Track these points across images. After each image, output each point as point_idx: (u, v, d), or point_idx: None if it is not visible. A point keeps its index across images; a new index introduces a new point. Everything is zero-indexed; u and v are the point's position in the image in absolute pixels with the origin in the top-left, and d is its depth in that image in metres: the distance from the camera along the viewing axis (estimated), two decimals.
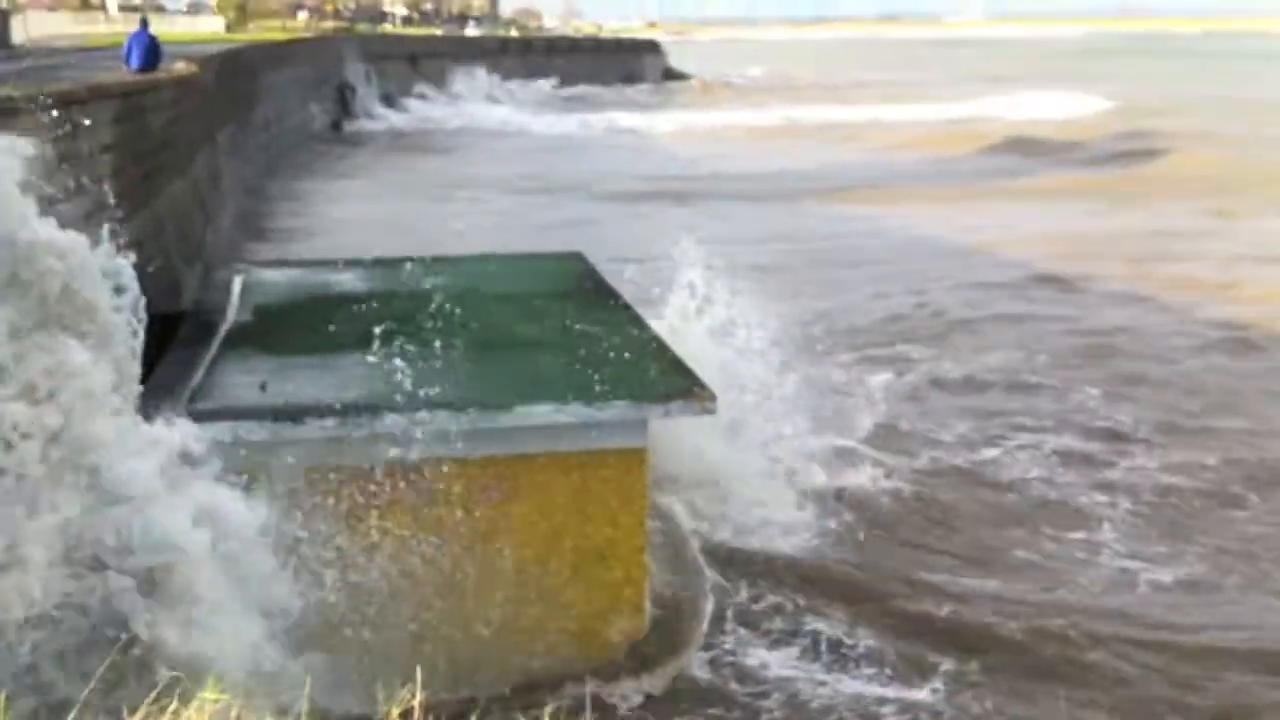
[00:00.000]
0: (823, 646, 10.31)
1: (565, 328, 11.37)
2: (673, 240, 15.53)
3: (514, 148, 54.54)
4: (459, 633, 8.64)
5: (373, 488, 8.50)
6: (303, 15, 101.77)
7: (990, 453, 15.10)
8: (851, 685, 9.75)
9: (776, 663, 10.03)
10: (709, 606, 10.59)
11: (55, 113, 8.81)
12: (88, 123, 9.73)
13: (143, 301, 8.15)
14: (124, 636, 6.95)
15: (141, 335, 8.16)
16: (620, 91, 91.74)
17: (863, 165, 46.77)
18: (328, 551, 8.09)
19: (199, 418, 8.27)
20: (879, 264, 27.08)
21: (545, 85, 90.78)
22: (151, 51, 16.18)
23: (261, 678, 7.10)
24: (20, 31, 40.41)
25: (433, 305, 11.92)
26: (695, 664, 9.75)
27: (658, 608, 10.08)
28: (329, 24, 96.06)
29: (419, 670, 5.26)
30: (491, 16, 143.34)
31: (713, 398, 9.43)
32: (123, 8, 64.36)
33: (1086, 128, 56.29)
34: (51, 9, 57.34)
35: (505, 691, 8.65)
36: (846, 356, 18.74)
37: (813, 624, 10.63)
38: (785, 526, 12.45)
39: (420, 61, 78.39)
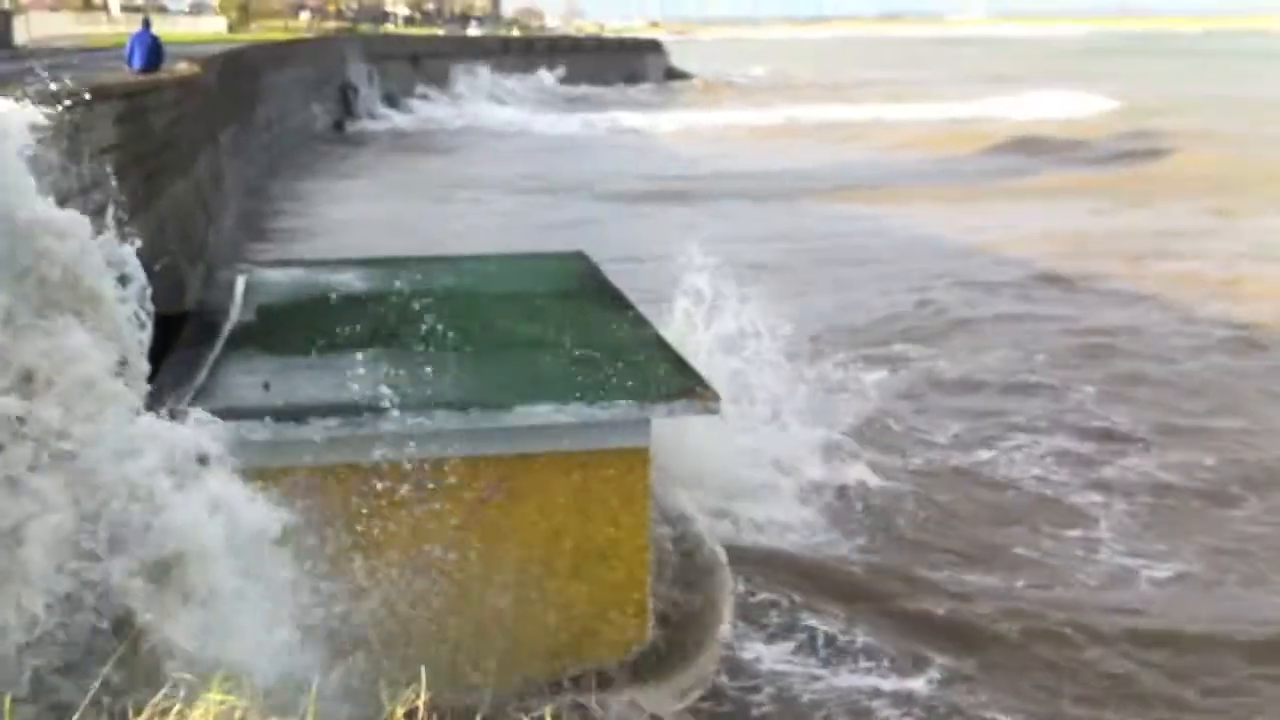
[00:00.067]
0: (819, 642, 10.36)
1: (567, 327, 11.36)
2: (675, 240, 15.56)
3: (516, 148, 54.61)
4: (461, 633, 8.64)
5: (375, 487, 8.51)
6: (305, 15, 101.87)
7: (988, 452, 15.13)
8: (846, 679, 9.80)
9: (771, 657, 10.08)
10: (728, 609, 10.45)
11: (58, 113, 8.81)
12: (90, 123, 9.76)
13: (149, 292, 8.13)
14: (134, 632, 6.91)
15: (150, 328, 8.13)
16: (622, 91, 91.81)
17: (865, 165, 46.79)
18: (329, 551, 8.08)
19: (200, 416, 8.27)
20: (881, 263, 27.11)
21: (546, 78, 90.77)
22: (154, 52, 16.20)
23: (286, 682, 7.04)
24: (22, 32, 40.47)
25: (435, 305, 11.94)
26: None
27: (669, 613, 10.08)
28: (331, 24, 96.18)
29: (423, 670, 5.26)
30: (494, 16, 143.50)
31: (716, 397, 9.42)
32: (125, 8, 64.42)
33: (1090, 127, 56.29)
34: (53, 9, 57.41)
35: (508, 692, 8.66)
36: (847, 355, 18.71)
37: (809, 620, 10.68)
38: (783, 523, 12.50)
39: (422, 61, 78.44)
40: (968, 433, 15.73)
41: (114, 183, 9.19)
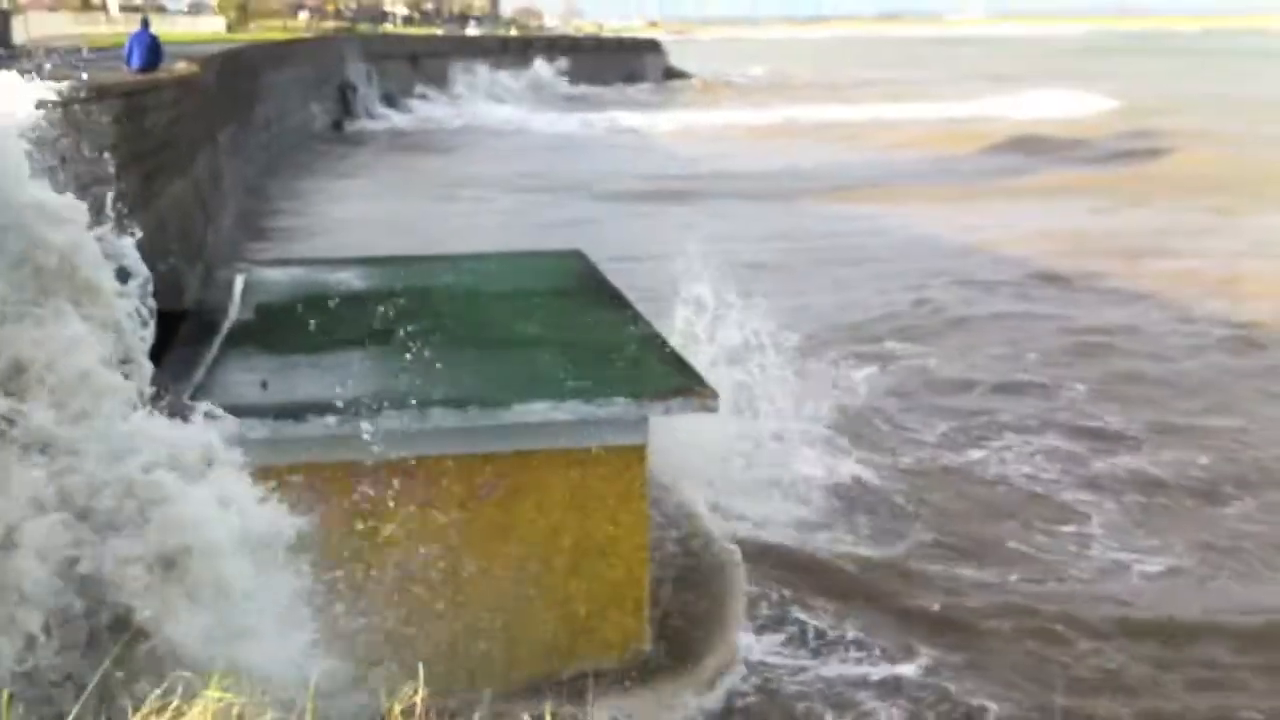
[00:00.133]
0: (809, 634, 10.46)
1: (565, 325, 11.39)
2: (674, 240, 15.62)
3: (515, 147, 54.61)
4: (460, 630, 8.66)
5: (372, 484, 8.51)
6: (304, 15, 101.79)
7: (983, 449, 15.20)
8: (834, 670, 9.90)
9: (760, 649, 10.14)
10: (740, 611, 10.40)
11: (57, 113, 8.81)
12: (90, 122, 9.75)
13: (151, 286, 8.11)
14: (132, 629, 6.85)
15: (152, 325, 8.08)
16: (621, 91, 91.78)
17: (863, 164, 46.79)
18: (327, 548, 8.08)
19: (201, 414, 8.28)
20: (879, 262, 27.14)
21: (544, 70, 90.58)
22: (152, 51, 16.16)
23: (289, 680, 6.93)
24: (21, 32, 40.44)
25: (433, 303, 11.98)
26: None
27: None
28: (330, 24, 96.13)
29: (421, 667, 5.27)
30: (492, 16, 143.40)
31: (714, 395, 9.45)
32: (124, 8, 64.34)
33: (1089, 127, 56.35)
34: (52, 9, 57.35)
35: (507, 688, 8.67)
36: (842, 352, 18.80)
37: (799, 613, 10.78)
38: (776, 519, 12.54)
39: (421, 61, 78.42)
40: (962, 430, 15.79)
41: (112, 195, 9.16)
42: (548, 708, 5.38)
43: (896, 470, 14.28)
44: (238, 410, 8.47)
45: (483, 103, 74.28)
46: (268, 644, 7.31)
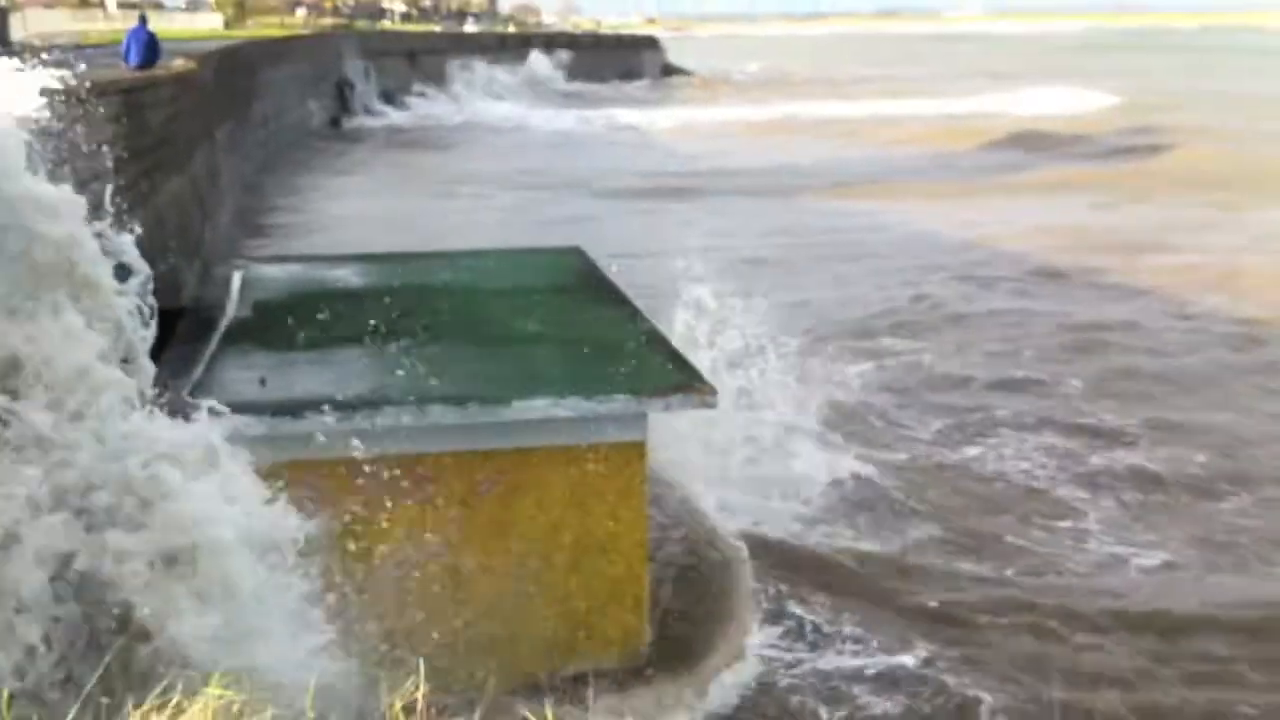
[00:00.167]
0: (806, 627, 10.49)
1: (564, 322, 11.38)
2: (673, 236, 15.64)
3: (513, 144, 54.58)
4: (460, 627, 8.64)
5: (372, 482, 8.49)
6: (301, 12, 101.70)
7: (981, 445, 15.23)
8: (831, 663, 9.92)
9: (757, 642, 10.16)
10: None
11: (55, 108, 8.77)
12: (87, 119, 9.73)
13: (151, 284, 8.06)
14: (132, 628, 6.74)
15: (154, 325, 8.00)
16: (619, 88, 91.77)
17: (863, 161, 46.78)
18: (327, 546, 8.05)
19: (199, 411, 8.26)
20: (878, 258, 27.14)
21: (541, 65, 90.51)
22: (150, 48, 16.16)
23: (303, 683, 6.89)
24: (19, 29, 40.41)
25: (432, 300, 11.95)
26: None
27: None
28: (327, 21, 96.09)
29: (421, 664, 5.26)
30: (490, 13, 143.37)
31: (713, 392, 9.44)
32: (121, 4, 64.24)
33: (1090, 123, 56.37)
34: (49, 6, 57.23)
35: (507, 685, 8.66)
36: (841, 348, 18.84)
37: (795, 607, 10.80)
38: (773, 514, 12.55)
39: (419, 58, 78.38)
40: (960, 426, 15.81)
41: (109, 192, 9.11)
42: (549, 706, 5.35)
43: (894, 466, 14.31)
44: (236, 407, 8.45)
45: (481, 100, 74.24)
46: (274, 644, 7.23)
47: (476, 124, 62.97)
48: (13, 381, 6.87)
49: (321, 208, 34.74)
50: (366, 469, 8.50)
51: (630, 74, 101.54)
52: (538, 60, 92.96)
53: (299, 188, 38.61)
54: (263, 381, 9.22)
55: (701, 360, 12.91)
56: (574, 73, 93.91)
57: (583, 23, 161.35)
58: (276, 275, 13.58)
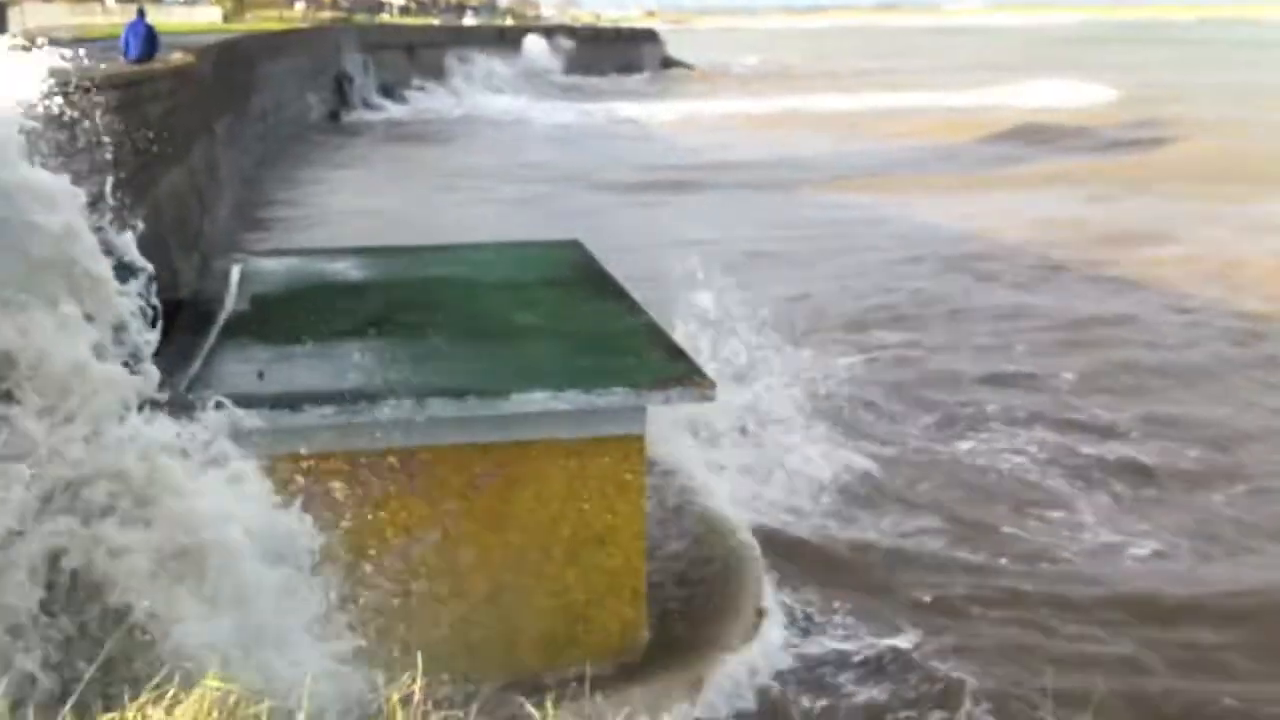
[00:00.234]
0: (797, 614, 10.53)
1: (563, 315, 11.38)
2: (676, 231, 15.67)
3: (514, 137, 54.50)
4: (459, 619, 8.65)
5: (370, 475, 8.49)
6: (300, 5, 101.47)
7: (977, 437, 15.27)
8: (819, 649, 9.97)
9: (754, 634, 10.10)
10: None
11: (54, 104, 8.74)
12: (86, 113, 9.72)
13: (154, 285, 8.01)
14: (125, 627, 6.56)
15: (158, 328, 7.86)
16: (618, 81, 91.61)
17: (864, 154, 46.71)
18: (325, 538, 8.04)
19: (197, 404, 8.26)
20: (878, 251, 27.13)
21: (535, 49, 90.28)
22: (149, 42, 16.15)
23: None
24: (18, 22, 40.34)
25: (430, 293, 11.95)
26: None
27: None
28: (326, 14, 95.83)
29: (419, 656, 5.26)
30: (489, 6, 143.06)
31: (712, 385, 9.45)
32: None
33: (1091, 115, 56.33)
34: (48, 0, 57.14)
35: (505, 677, 8.66)
36: (840, 342, 18.88)
37: (785, 596, 10.82)
38: (765, 503, 12.59)
39: (418, 51, 78.26)
40: (955, 419, 15.84)
41: (109, 185, 9.04)
42: (550, 701, 5.34)
43: (889, 458, 14.36)
44: (234, 401, 8.45)
45: (480, 93, 74.13)
46: (291, 651, 7.11)
47: (476, 117, 62.91)
48: (7, 377, 6.75)
49: (321, 201, 34.72)
50: (365, 462, 8.51)
51: (629, 67, 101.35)
52: (534, 46, 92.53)
53: (298, 181, 38.58)
54: (261, 375, 9.22)
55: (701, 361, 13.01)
56: (573, 66, 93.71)
57: (581, 15, 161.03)
58: (275, 269, 13.58)
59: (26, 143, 7.23)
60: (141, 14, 16.90)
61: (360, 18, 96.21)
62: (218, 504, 7.24)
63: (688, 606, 10.21)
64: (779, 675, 9.63)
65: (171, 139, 15.45)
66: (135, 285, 7.69)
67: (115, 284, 7.55)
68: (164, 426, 7.47)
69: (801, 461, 13.69)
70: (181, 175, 16.01)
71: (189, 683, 5.09)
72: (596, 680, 7.95)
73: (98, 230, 7.62)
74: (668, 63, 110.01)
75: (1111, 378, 17.49)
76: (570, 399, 8.90)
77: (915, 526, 12.63)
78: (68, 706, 5.12)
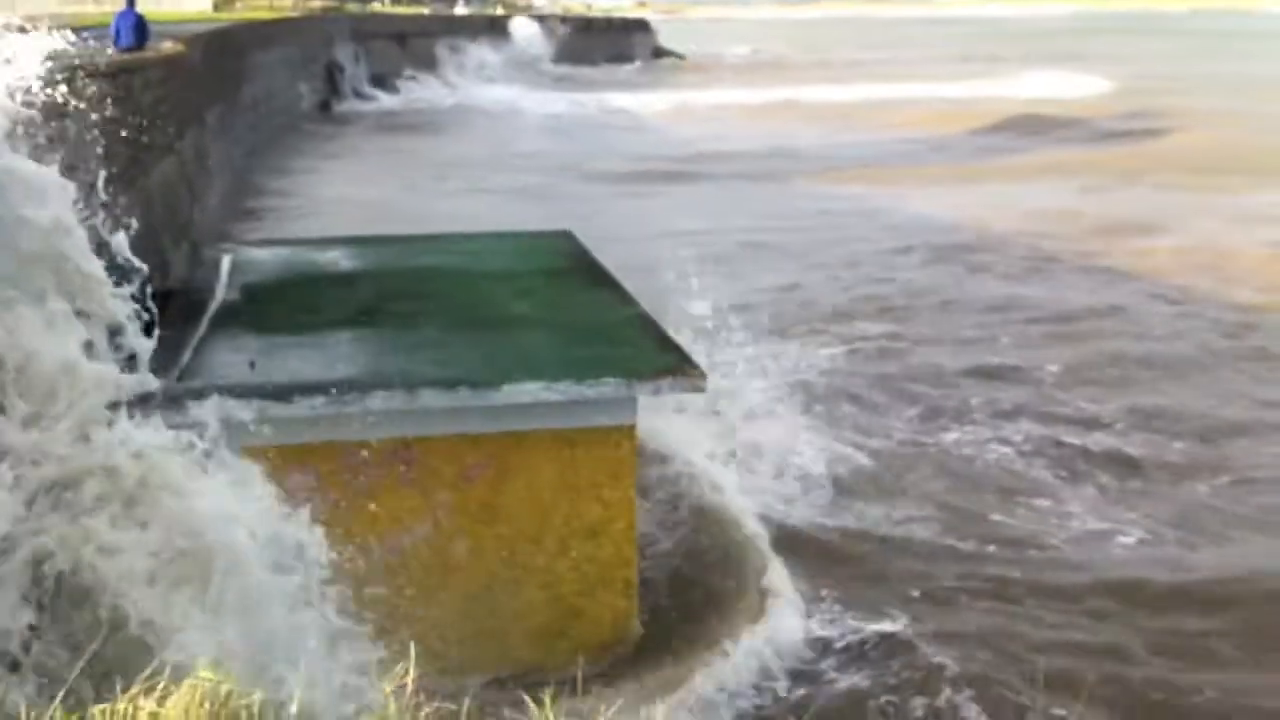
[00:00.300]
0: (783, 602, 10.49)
1: (554, 305, 11.38)
2: (668, 223, 15.68)
3: (506, 127, 54.33)
4: (450, 610, 8.64)
5: (362, 466, 8.49)
6: None
7: (966, 428, 15.30)
8: (803, 635, 9.99)
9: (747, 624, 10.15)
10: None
11: (47, 92, 8.69)
12: (76, 103, 9.68)
13: (150, 290, 7.90)
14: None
15: (155, 334, 7.78)
16: (610, 71, 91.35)
17: (857, 145, 46.61)
18: (316, 529, 8.01)
19: (187, 396, 8.25)
20: (869, 242, 27.11)
21: (524, 33, 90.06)
22: (139, 31, 16.08)
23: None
24: (9, 10, 40.17)
25: (422, 283, 11.94)
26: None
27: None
28: (317, 3, 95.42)
29: (412, 648, 5.25)
30: None
31: (703, 375, 9.46)
32: None
33: (1086, 106, 56.24)
34: None
35: (497, 669, 8.67)
36: (830, 333, 18.90)
37: (772, 582, 10.76)
38: (753, 492, 12.61)
39: (409, 40, 78.01)
40: (944, 410, 15.88)
41: (100, 175, 8.96)
42: (549, 695, 5.33)
43: (877, 448, 14.43)
44: (225, 391, 8.44)
45: (473, 84, 73.92)
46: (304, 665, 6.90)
47: (469, 107, 62.71)
48: None
49: (312, 191, 34.61)
50: (356, 453, 8.50)
51: (621, 57, 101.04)
52: (523, 29, 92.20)
53: (289, 171, 38.47)
54: (252, 365, 9.22)
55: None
56: (564, 55, 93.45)
57: (573, 6, 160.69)
58: (265, 258, 13.56)
59: (23, 132, 7.15)
60: (131, 2, 16.81)
61: (352, 7, 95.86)
62: (220, 505, 7.05)
63: (692, 596, 10.26)
64: (766, 667, 9.65)
65: (162, 128, 15.39)
66: (129, 287, 7.60)
67: (109, 285, 7.44)
68: (159, 425, 7.35)
69: (789, 452, 13.73)
70: (172, 165, 15.95)
71: (180, 675, 5.09)
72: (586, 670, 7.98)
73: (90, 228, 7.51)
74: (659, 52, 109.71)
75: (1100, 369, 17.53)
76: (562, 389, 8.90)
77: (902, 514, 12.69)
78: (59, 699, 5.11)
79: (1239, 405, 16.15)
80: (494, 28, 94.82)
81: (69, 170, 8.15)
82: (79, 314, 7.13)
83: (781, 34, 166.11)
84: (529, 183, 36.63)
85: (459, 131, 52.76)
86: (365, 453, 8.58)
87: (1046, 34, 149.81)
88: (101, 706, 4.89)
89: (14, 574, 6.28)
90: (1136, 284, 22.73)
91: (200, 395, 8.13)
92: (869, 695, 9.33)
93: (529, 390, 8.85)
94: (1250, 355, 18.37)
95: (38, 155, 7.43)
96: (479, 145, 47.45)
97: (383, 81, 68.20)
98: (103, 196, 7.97)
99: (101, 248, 7.56)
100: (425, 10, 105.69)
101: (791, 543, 11.69)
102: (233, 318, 10.83)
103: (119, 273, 7.62)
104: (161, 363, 8.96)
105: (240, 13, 67.62)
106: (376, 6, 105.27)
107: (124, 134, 11.90)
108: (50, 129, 8.11)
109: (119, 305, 7.46)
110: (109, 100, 11.36)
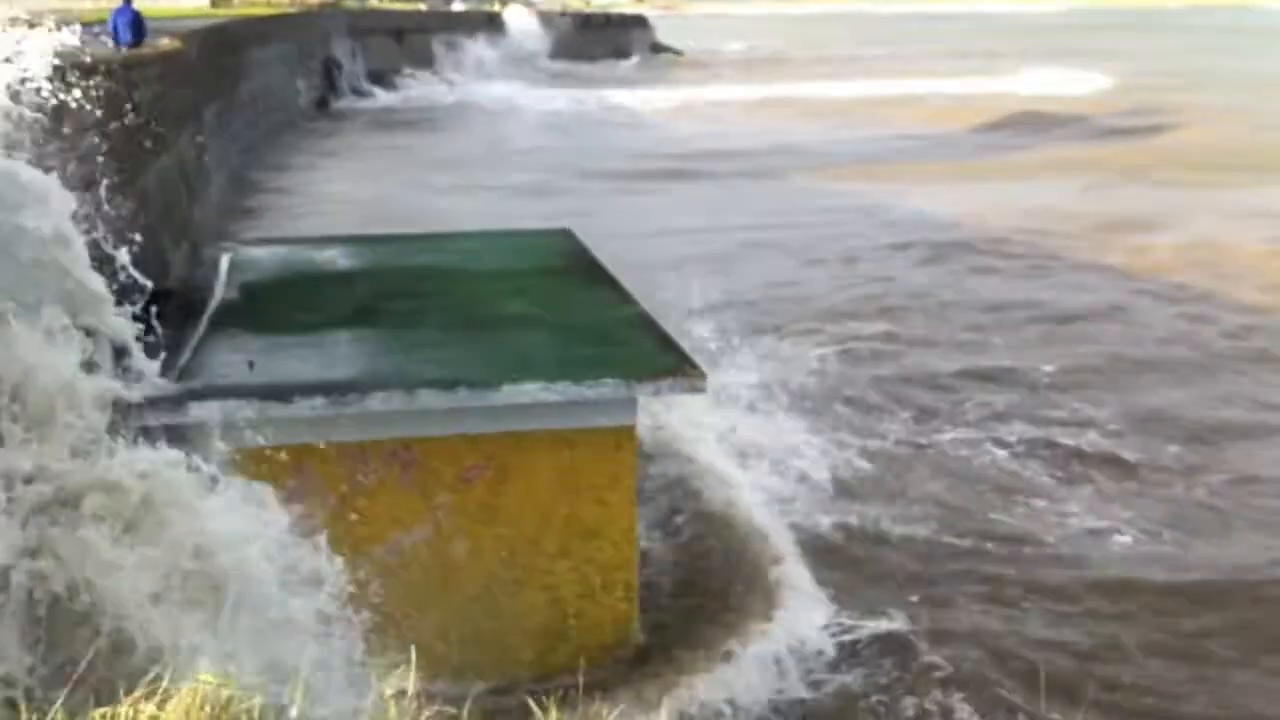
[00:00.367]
0: (779, 600, 10.49)
1: (554, 305, 11.34)
2: (669, 221, 15.68)
3: (505, 125, 54.22)
4: (450, 612, 8.62)
5: (361, 466, 8.46)
6: None
7: (964, 428, 15.33)
8: (799, 635, 9.97)
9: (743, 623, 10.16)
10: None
11: (44, 90, 8.64)
12: (78, 102, 9.64)
13: (155, 310, 7.81)
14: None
15: (161, 355, 7.67)
16: (608, 67, 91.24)
17: (858, 141, 46.53)
18: (315, 531, 7.97)
19: (187, 397, 8.23)
20: (868, 240, 27.07)
21: (522, 22, 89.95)
22: (136, 27, 16.04)
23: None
24: (9, 6, 40.05)
25: (421, 282, 11.90)
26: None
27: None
28: None
29: (413, 652, 5.23)
30: None
31: (702, 376, 9.42)
32: None
33: (1087, 103, 56.21)
34: None
35: (497, 671, 8.65)
36: (828, 333, 18.87)
37: (769, 581, 10.79)
38: (754, 490, 12.60)
39: (407, 37, 77.90)
40: (941, 410, 15.89)
41: (98, 173, 8.88)
42: (552, 702, 5.29)
43: (874, 448, 14.46)
44: (224, 392, 8.42)
45: (471, 81, 73.81)
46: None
47: (468, 104, 62.58)
48: None
49: (311, 189, 34.56)
50: (355, 453, 8.47)
51: (619, 53, 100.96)
52: (518, 21, 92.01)
53: (288, 169, 38.41)
54: (251, 365, 9.18)
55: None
56: (562, 51, 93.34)
57: (571, 2, 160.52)
58: (264, 257, 13.52)
59: (24, 135, 7.06)
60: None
61: (349, 3, 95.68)
62: (232, 524, 6.85)
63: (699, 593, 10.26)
64: (758, 664, 9.66)
65: (160, 126, 15.35)
66: (132, 307, 7.50)
67: (111, 301, 7.32)
68: (163, 442, 7.19)
69: (787, 450, 13.72)
70: (170, 163, 15.91)
71: (180, 678, 5.06)
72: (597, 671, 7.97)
73: (91, 242, 7.37)
74: (657, 48, 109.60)
75: (1098, 369, 17.53)
76: (561, 390, 8.86)
77: (900, 513, 12.70)
78: (59, 703, 5.08)
79: (1238, 407, 16.14)
80: (492, 24, 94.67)
81: (68, 172, 8.11)
82: (80, 330, 7.00)
83: (779, 30, 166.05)
84: (528, 180, 36.57)
85: (458, 128, 52.66)
86: (364, 453, 8.55)
87: (1043, 30, 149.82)
88: (102, 710, 4.87)
89: (12, 608, 6.05)
90: (1137, 282, 22.69)
91: (200, 396, 8.09)
92: (863, 694, 9.35)
93: (528, 391, 8.82)
94: (1251, 356, 18.34)
95: (38, 157, 7.38)
96: (478, 142, 47.38)
97: (381, 78, 68.09)
98: (105, 206, 7.88)
99: (104, 263, 7.43)
100: (422, 6, 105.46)
101: (788, 542, 11.69)
102: (232, 317, 10.79)
103: (122, 291, 7.51)
104: (162, 365, 8.95)
105: (238, 9, 67.48)
106: (374, 2, 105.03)
107: (122, 133, 11.86)
108: (52, 129, 8.06)
109: (122, 323, 7.37)
110: (108, 98, 11.33)
